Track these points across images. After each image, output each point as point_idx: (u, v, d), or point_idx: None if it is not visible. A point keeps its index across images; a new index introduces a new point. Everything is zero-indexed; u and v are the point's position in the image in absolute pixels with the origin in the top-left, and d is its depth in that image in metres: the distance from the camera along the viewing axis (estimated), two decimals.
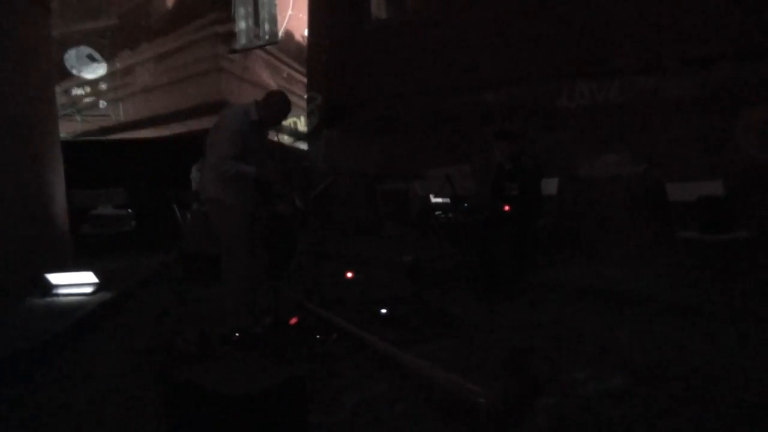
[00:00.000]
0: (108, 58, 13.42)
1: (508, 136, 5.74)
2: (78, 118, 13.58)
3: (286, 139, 10.43)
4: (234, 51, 11.77)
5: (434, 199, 6.83)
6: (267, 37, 11.42)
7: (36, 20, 6.45)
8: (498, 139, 5.76)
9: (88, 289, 5.56)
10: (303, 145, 10.31)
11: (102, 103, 13.74)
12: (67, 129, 12.04)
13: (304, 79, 10.32)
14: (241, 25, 11.85)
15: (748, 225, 5.09)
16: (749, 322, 4.19)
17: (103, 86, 13.65)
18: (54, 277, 5.56)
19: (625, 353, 3.74)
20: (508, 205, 5.40)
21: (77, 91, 13.57)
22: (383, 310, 4.71)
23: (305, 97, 10.16)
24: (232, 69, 11.87)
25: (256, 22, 11.68)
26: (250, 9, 11.73)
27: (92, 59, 13.31)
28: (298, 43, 10.60)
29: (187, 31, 12.54)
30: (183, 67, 12.65)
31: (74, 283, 5.60)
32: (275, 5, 11.24)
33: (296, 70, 10.70)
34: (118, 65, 13.48)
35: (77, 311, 4.96)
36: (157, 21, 13.10)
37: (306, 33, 10.17)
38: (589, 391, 3.18)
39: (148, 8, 13.29)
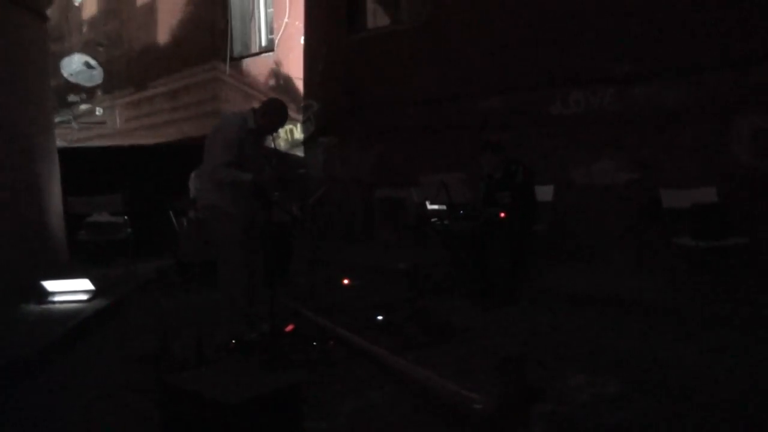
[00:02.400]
0: (105, 66, 13.44)
1: (491, 148, 5.69)
2: (74, 125, 13.57)
3: (282, 146, 10.45)
4: (231, 59, 11.80)
5: (430, 206, 6.84)
6: (263, 44, 11.45)
7: (31, 28, 6.46)
8: (483, 151, 5.70)
9: (84, 296, 5.55)
10: (299, 153, 10.32)
11: (98, 110, 13.74)
12: (63, 136, 12.03)
13: (301, 87, 10.35)
14: (238, 33, 11.88)
15: (742, 231, 5.12)
16: (743, 327, 4.22)
17: (99, 93, 13.66)
18: (50, 284, 5.55)
19: (621, 359, 3.75)
20: (502, 212, 5.42)
21: (73, 98, 13.57)
22: (379, 317, 4.72)
23: (302, 104, 10.19)
24: (228, 77, 11.88)
25: (253, 30, 11.72)
26: (247, 17, 11.77)
27: (89, 66, 13.32)
28: (295, 51, 10.64)
29: (183, 39, 12.57)
30: (180, 76, 12.67)
31: (70, 290, 5.59)
32: (271, 13, 11.27)
33: (292, 78, 10.73)
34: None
35: (73, 318, 4.95)
36: (154, 31, 13.13)
37: (302, 41, 10.20)
38: (585, 397, 3.19)
39: (145, 18, 13.33)
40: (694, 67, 6.01)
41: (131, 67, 13.46)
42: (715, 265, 5.13)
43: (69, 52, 13.40)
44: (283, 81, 10.91)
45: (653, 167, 6.26)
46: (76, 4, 14.19)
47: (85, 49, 13.56)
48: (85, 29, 14.08)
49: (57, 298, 5.48)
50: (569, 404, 3.10)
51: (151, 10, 13.26)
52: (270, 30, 11.34)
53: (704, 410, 3.00)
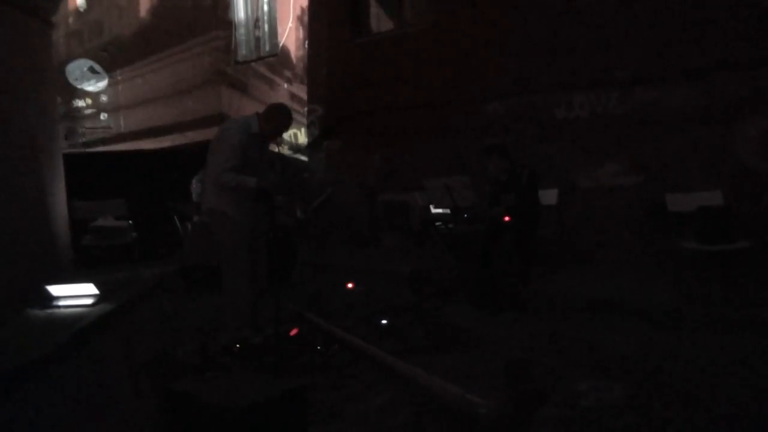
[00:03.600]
0: (109, 70, 13.49)
1: (498, 151, 5.64)
2: (79, 130, 13.63)
3: (286, 150, 10.46)
4: (235, 63, 11.83)
5: (434, 210, 6.84)
6: (267, 49, 11.48)
7: (37, 34, 6.49)
8: (489, 155, 5.65)
9: (89, 301, 5.56)
10: (303, 157, 10.34)
11: (103, 115, 13.80)
12: (68, 141, 12.08)
13: (305, 91, 10.37)
14: (242, 37, 11.92)
15: (747, 235, 5.09)
16: (749, 331, 4.19)
17: (104, 98, 13.72)
18: (54, 289, 5.57)
19: (626, 363, 3.73)
20: (507, 216, 5.41)
21: (78, 103, 13.63)
22: (383, 321, 4.71)
23: (305, 109, 10.21)
24: (232, 82, 11.91)
25: (257, 34, 11.75)
26: (251, 21, 11.81)
27: (93, 71, 13.38)
28: (299, 55, 10.67)
29: (187, 44, 12.60)
30: (183, 79, 12.70)
31: (75, 294, 5.60)
32: (275, 18, 11.31)
33: (297, 82, 10.76)
34: (119, 77, 13.55)
35: (78, 323, 4.96)
36: (158, 34, 13.17)
37: (306, 45, 10.23)
38: (590, 401, 3.17)
39: (149, 21, 13.38)
40: (700, 70, 6.00)
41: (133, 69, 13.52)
42: (721, 268, 5.11)
43: (74, 57, 13.47)
44: (286, 85, 10.93)
45: (658, 170, 6.24)
46: (81, 10, 14.27)
47: (89, 54, 13.62)
48: (90, 34, 14.15)
49: (62, 303, 5.50)
50: (574, 409, 3.09)
51: (152, 13, 13.32)
52: (274, 34, 11.37)
53: (710, 415, 2.98)
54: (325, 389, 3.49)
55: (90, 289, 5.64)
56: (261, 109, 4.52)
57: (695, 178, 5.90)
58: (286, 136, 9.82)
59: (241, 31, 11.97)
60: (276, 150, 4.93)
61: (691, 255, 5.18)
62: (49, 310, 5.35)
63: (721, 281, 5.04)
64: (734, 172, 5.78)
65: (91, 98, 13.64)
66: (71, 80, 13.16)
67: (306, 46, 10.27)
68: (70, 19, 14.06)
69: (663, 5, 6.22)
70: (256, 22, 11.76)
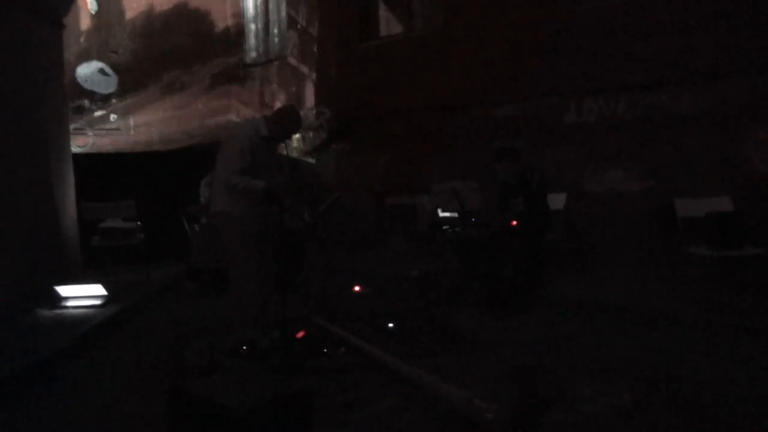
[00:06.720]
0: (118, 72, 13.56)
1: (508, 156, 5.64)
2: (89, 131, 13.71)
3: (294, 153, 10.48)
4: (245, 65, 11.88)
5: (442, 214, 6.83)
6: (277, 51, 11.53)
7: (48, 35, 6.54)
8: (500, 160, 5.64)
9: (97, 302, 5.59)
10: (312, 160, 10.36)
11: (113, 116, 13.87)
12: (77, 142, 12.15)
13: (314, 94, 10.40)
14: (252, 40, 11.97)
15: (757, 241, 5.07)
16: (758, 337, 4.17)
17: (114, 101, 13.79)
18: (63, 290, 5.60)
19: (633, 369, 3.72)
20: (515, 220, 5.40)
21: (88, 105, 13.71)
22: (390, 324, 4.71)
23: (314, 111, 10.24)
24: (241, 84, 11.95)
25: (266, 37, 11.80)
26: (261, 24, 11.86)
27: (104, 74, 13.46)
28: (307, 58, 10.71)
29: (195, 47, 12.66)
30: (191, 82, 12.75)
31: (83, 295, 5.63)
32: (285, 21, 11.35)
33: (305, 85, 10.80)
34: (126, 78, 13.62)
35: (86, 323, 4.99)
36: (165, 37, 13.23)
37: (315, 48, 10.27)
38: (597, 407, 3.16)
39: (159, 27, 13.45)
40: (709, 74, 5.98)
41: (143, 73, 13.60)
42: (730, 274, 5.08)
43: (84, 59, 13.55)
44: (295, 88, 10.97)
45: (667, 175, 6.22)
46: (92, 12, 14.36)
47: (99, 56, 13.70)
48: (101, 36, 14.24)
49: (70, 303, 5.53)
50: (581, 414, 3.08)
51: (163, 14, 13.39)
52: (284, 37, 11.41)
53: (719, 422, 2.97)
54: (332, 392, 3.49)
55: (99, 290, 5.67)
56: (269, 111, 4.53)
57: (704, 183, 5.87)
58: (294, 138, 9.91)
59: (251, 33, 12.02)
60: (284, 153, 4.94)
61: (700, 260, 5.16)
62: (58, 311, 5.38)
63: (730, 287, 5.01)
64: (744, 177, 5.74)
65: (101, 100, 13.73)
66: (81, 82, 13.25)
67: (315, 49, 10.30)
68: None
69: (671, 10, 6.20)
70: (266, 25, 11.80)
